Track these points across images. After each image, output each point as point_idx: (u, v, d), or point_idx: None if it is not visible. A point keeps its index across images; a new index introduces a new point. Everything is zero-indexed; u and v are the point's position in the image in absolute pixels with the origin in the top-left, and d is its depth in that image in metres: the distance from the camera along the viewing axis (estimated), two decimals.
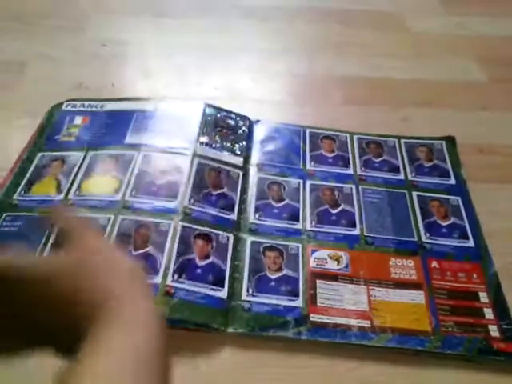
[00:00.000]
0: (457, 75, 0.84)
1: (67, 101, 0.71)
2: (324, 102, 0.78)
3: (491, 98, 0.79)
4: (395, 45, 0.91)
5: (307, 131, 0.70)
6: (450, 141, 0.70)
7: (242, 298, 0.50)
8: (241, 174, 0.63)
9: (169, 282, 0.50)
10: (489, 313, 0.51)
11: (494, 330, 0.50)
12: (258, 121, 0.71)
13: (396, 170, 0.66)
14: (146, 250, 0.53)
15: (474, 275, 0.54)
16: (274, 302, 0.50)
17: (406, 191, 0.63)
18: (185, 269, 0.52)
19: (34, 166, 0.62)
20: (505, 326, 0.50)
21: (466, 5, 1.02)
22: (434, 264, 0.55)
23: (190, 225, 0.55)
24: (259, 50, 0.87)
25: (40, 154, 0.63)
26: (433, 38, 0.93)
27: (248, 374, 0.47)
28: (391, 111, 0.76)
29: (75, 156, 0.63)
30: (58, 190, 0.59)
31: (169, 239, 0.54)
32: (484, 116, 0.76)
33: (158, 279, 0.50)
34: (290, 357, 0.48)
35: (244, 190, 0.61)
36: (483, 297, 0.52)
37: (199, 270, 0.52)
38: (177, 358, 0.44)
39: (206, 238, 0.55)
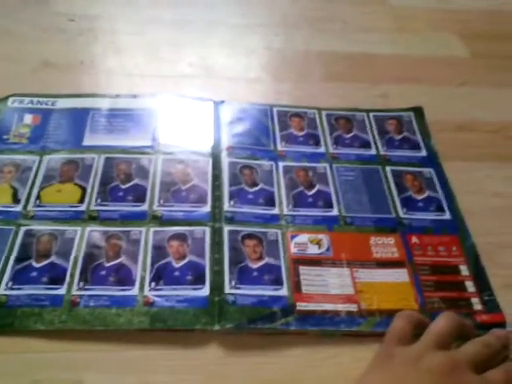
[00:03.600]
0: (438, 50, 0.83)
1: (12, 96, 0.65)
2: (302, 78, 0.75)
3: (472, 74, 0.79)
4: (375, 19, 0.89)
5: (274, 110, 0.68)
6: (418, 112, 0.69)
7: (226, 292, 0.48)
8: (210, 160, 0.60)
9: (146, 292, 0.48)
10: (470, 286, 0.51)
11: (476, 303, 0.50)
12: (222, 102, 0.68)
13: (367, 144, 0.64)
14: (119, 260, 0.50)
15: (454, 248, 0.54)
16: (259, 292, 0.49)
17: (379, 166, 0.62)
18: (161, 275, 0.49)
19: None
20: (486, 298, 0.50)
21: None
22: (414, 240, 0.55)
23: (162, 228, 0.53)
24: (235, 25, 0.84)
25: None
26: (413, 12, 0.91)
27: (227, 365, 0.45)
28: (371, 87, 0.74)
29: (29, 160, 0.58)
30: (15, 199, 0.54)
31: (141, 247, 0.51)
32: (464, 92, 0.75)
33: (135, 291, 0.48)
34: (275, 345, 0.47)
35: (216, 177, 0.58)
36: (464, 270, 0.53)
37: (177, 273, 0.49)
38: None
39: (181, 237, 0.52)
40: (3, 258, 0.49)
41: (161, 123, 0.64)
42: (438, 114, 0.70)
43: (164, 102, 0.67)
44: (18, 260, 0.49)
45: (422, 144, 0.65)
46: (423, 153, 0.64)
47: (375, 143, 0.65)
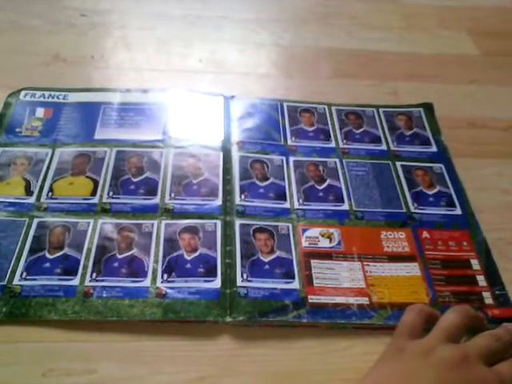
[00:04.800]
0: (447, 48, 0.83)
1: (24, 89, 0.66)
2: (311, 74, 0.76)
3: (482, 71, 0.79)
4: (385, 16, 0.89)
5: (284, 105, 0.68)
6: (428, 108, 0.69)
7: (238, 285, 0.49)
8: (221, 154, 0.60)
9: (158, 283, 0.48)
10: (481, 280, 0.51)
11: (487, 297, 0.50)
12: (232, 97, 0.68)
13: (378, 140, 0.65)
14: (131, 252, 0.50)
15: (464, 243, 0.54)
16: (270, 285, 0.49)
17: (389, 162, 0.62)
18: (174, 267, 0.49)
19: None
20: (497, 292, 0.50)
21: None
22: (425, 234, 0.55)
23: (174, 221, 0.53)
24: (245, 20, 0.84)
25: (1, 150, 0.59)
26: (423, 10, 0.91)
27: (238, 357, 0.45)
28: (380, 84, 0.74)
29: (42, 153, 0.59)
30: (28, 191, 0.55)
31: (153, 240, 0.51)
32: (474, 89, 0.75)
33: (148, 282, 0.48)
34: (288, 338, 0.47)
35: (227, 171, 0.59)
36: (475, 264, 0.53)
37: (189, 265, 0.50)
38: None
39: (192, 230, 0.53)
40: (17, 249, 0.50)
41: (171, 117, 0.64)
42: (448, 111, 0.70)
43: (174, 96, 0.68)
44: (32, 251, 0.50)
45: (431, 140, 0.65)
46: (433, 148, 0.64)
47: (385, 139, 0.65)
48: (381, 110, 0.69)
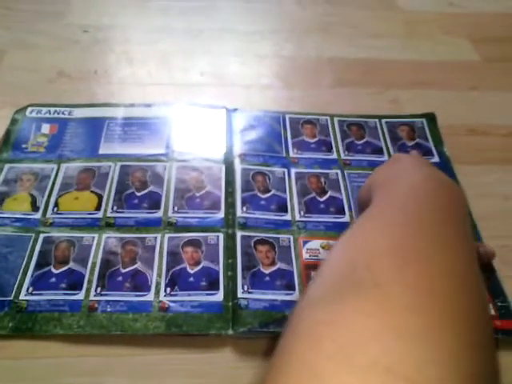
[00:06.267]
0: (449, 55, 0.83)
1: (30, 106, 0.67)
2: (314, 84, 0.76)
3: (483, 78, 0.79)
4: (386, 24, 0.89)
5: (287, 117, 0.69)
6: (431, 118, 0.69)
7: (238, 296, 0.49)
8: (223, 167, 0.61)
9: (162, 297, 0.49)
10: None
11: (489, 309, 0.50)
12: (235, 109, 0.69)
13: (379, 151, 0.65)
14: (135, 266, 0.51)
15: None
16: (271, 297, 0.50)
17: None
18: (177, 280, 0.50)
19: (2, 178, 0.59)
20: (500, 304, 0.50)
21: None
22: None
23: (177, 234, 0.54)
24: (245, 32, 0.85)
25: (8, 166, 0.60)
26: (424, 17, 0.92)
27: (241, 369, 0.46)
28: (382, 93, 0.75)
29: (47, 168, 0.60)
30: (34, 206, 0.56)
31: (157, 253, 0.52)
32: (475, 95, 0.76)
33: (151, 296, 0.49)
34: None
35: (229, 184, 0.59)
36: None
37: (191, 278, 0.51)
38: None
39: (195, 243, 0.53)
40: (23, 264, 0.51)
41: (174, 131, 0.65)
42: (450, 118, 0.70)
43: (177, 110, 0.69)
44: (38, 266, 0.51)
45: (434, 150, 0.65)
46: (435, 159, 0.64)
47: (387, 149, 0.65)
48: (383, 120, 0.69)
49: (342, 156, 0.64)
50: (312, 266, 0.52)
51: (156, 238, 0.54)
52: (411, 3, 0.95)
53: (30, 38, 0.80)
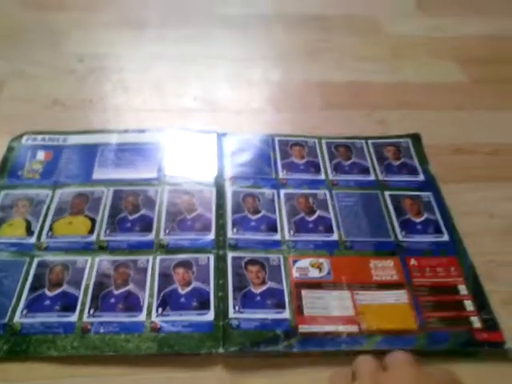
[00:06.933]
0: (435, 76, 0.86)
1: (26, 134, 0.69)
2: (302, 107, 0.79)
3: (469, 98, 0.81)
4: (373, 48, 0.92)
5: (276, 139, 0.71)
6: (416, 138, 0.71)
7: (230, 316, 0.50)
8: (214, 190, 0.63)
9: (153, 318, 0.50)
10: (469, 305, 0.52)
11: (475, 322, 0.51)
12: (225, 133, 0.71)
13: (366, 171, 0.67)
14: (128, 288, 0.52)
15: (452, 268, 0.56)
16: (262, 316, 0.51)
17: (378, 191, 0.64)
18: (168, 301, 0.51)
19: None
20: (485, 316, 0.51)
21: (442, 6, 1.05)
22: (413, 262, 0.56)
23: (168, 256, 0.55)
24: (236, 59, 0.88)
25: (4, 192, 0.62)
26: (410, 41, 0.95)
27: None
28: (369, 115, 0.77)
29: (42, 194, 0.61)
30: (29, 231, 0.57)
31: (148, 275, 0.53)
32: (461, 115, 0.78)
33: (143, 317, 0.50)
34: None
35: (220, 206, 0.61)
36: (462, 289, 0.54)
37: (182, 299, 0.52)
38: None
39: (186, 264, 0.55)
40: (18, 287, 0.52)
41: (166, 156, 0.67)
42: (436, 137, 0.72)
43: (170, 135, 0.70)
44: (32, 289, 0.52)
45: (419, 169, 0.67)
46: (421, 177, 0.66)
47: (374, 169, 0.67)
48: (369, 141, 0.71)
49: (330, 176, 0.66)
50: (302, 285, 0.53)
51: (148, 260, 0.55)
52: (398, 29, 0.98)
53: (27, 68, 0.82)
